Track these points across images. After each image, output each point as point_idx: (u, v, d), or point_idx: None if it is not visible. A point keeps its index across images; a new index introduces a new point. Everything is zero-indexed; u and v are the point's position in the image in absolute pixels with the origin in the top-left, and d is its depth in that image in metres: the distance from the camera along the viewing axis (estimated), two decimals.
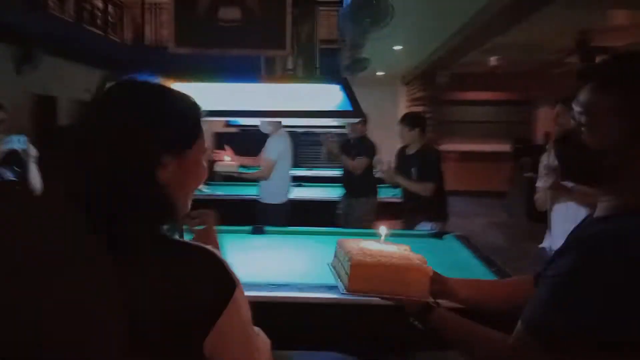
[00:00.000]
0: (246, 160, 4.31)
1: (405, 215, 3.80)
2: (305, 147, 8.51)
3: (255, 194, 4.16)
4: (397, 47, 6.85)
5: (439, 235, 2.89)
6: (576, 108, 0.89)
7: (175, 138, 0.85)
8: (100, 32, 8.24)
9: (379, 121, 5.79)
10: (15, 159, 2.72)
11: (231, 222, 3.70)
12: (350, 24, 4.14)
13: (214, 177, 4.98)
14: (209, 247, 0.83)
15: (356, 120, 3.10)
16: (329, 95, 2.32)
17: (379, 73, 9.07)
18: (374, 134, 4.58)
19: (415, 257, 1.10)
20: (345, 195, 4.36)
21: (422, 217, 3.51)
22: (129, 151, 0.79)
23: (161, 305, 0.74)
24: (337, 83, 2.27)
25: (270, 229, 2.98)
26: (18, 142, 2.64)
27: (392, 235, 2.80)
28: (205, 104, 2.29)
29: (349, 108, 2.24)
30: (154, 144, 0.81)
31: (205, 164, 0.94)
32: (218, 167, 3.80)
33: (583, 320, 0.76)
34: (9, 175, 2.73)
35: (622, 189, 0.87)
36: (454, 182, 6.03)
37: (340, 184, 4.53)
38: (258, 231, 2.92)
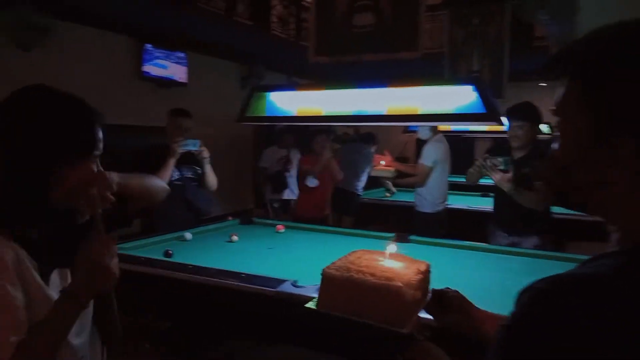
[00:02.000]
0: (403, 167, 4.22)
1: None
2: None
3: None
4: None
5: None
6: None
7: (64, 151, 1.00)
8: None
9: None
10: (191, 160, 3.23)
11: (385, 226, 3.72)
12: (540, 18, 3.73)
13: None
14: None
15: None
16: (465, 97, 2.14)
17: None
18: None
19: (404, 278, 0.96)
20: (501, 229, 3.03)
21: None
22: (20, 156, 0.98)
23: None
24: (470, 84, 2.08)
25: (415, 238, 2.88)
26: (193, 145, 3.12)
27: (562, 259, 2.46)
28: (332, 108, 2.34)
29: (482, 110, 2.04)
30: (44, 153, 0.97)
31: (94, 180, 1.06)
32: (374, 172, 3.83)
33: None
34: (188, 174, 3.26)
35: (610, 215, 0.63)
36: None
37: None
38: (401, 239, 2.85)
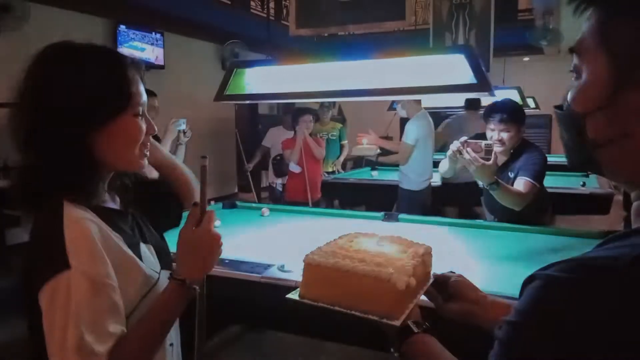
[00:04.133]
0: (387, 144, 4.13)
1: None
2: None
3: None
4: None
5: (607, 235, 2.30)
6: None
7: (104, 106, 0.89)
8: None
9: None
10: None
11: (372, 206, 3.65)
12: None
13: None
14: (70, 224, 0.84)
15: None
16: (457, 68, 2.04)
17: None
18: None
19: (398, 264, 0.87)
20: (490, 214, 2.82)
21: None
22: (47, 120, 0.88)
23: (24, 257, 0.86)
24: (459, 52, 1.97)
25: (404, 216, 2.80)
26: (183, 124, 3.18)
27: (554, 233, 2.39)
28: (315, 83, 2.19)
29: (473, 81, 1.94)
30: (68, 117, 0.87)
31: (142, 125, 0.96)
32: (356, 150, 3.72)
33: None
34: None
35: (630, 174, 0.55)
36: None
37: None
38: (390, 218, 2.77)
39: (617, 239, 0.54)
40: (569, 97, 0.60)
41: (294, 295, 0.92)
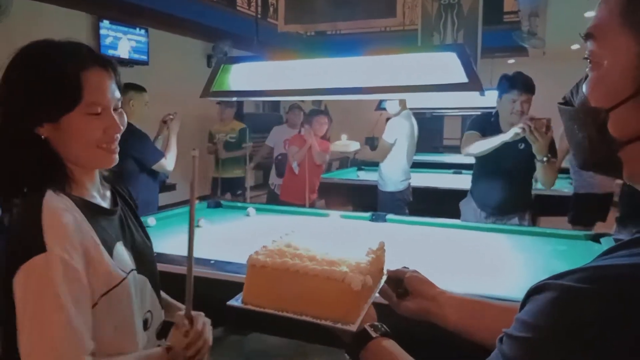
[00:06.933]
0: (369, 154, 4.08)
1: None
2: None
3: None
4: (589, 15, 5.79)
5: (595, 238, 2.31)
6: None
7: (45, 105, 0.90)
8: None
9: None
10: None
11: (359, 206, 3.63)
12: None
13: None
14: (45, 211, 0.86)
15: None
16: (447, 67, 2.01)
17: (575, 46, 7.82)
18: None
19: (351, 261, 0.81)
20: (482, 210, 2.84)
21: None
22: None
23: None
24: (451, 51, 1.95)
25: (392, 217, 2.77)
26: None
27: (540, 234, 2.39)
28: (304, 81, 2.13)
29: (464, 80, 1.91)
30: (21, 111, 0.90)
31: (97, 124, 0.95)
32: (334, 147, 3.64)
33: None
34: None
35: None
36: None
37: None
38: (378, 219, 2.74)
39: (628, 245, 0.50)
40: (585, 89, 0.53)
41: (236, 302, 0.85)
